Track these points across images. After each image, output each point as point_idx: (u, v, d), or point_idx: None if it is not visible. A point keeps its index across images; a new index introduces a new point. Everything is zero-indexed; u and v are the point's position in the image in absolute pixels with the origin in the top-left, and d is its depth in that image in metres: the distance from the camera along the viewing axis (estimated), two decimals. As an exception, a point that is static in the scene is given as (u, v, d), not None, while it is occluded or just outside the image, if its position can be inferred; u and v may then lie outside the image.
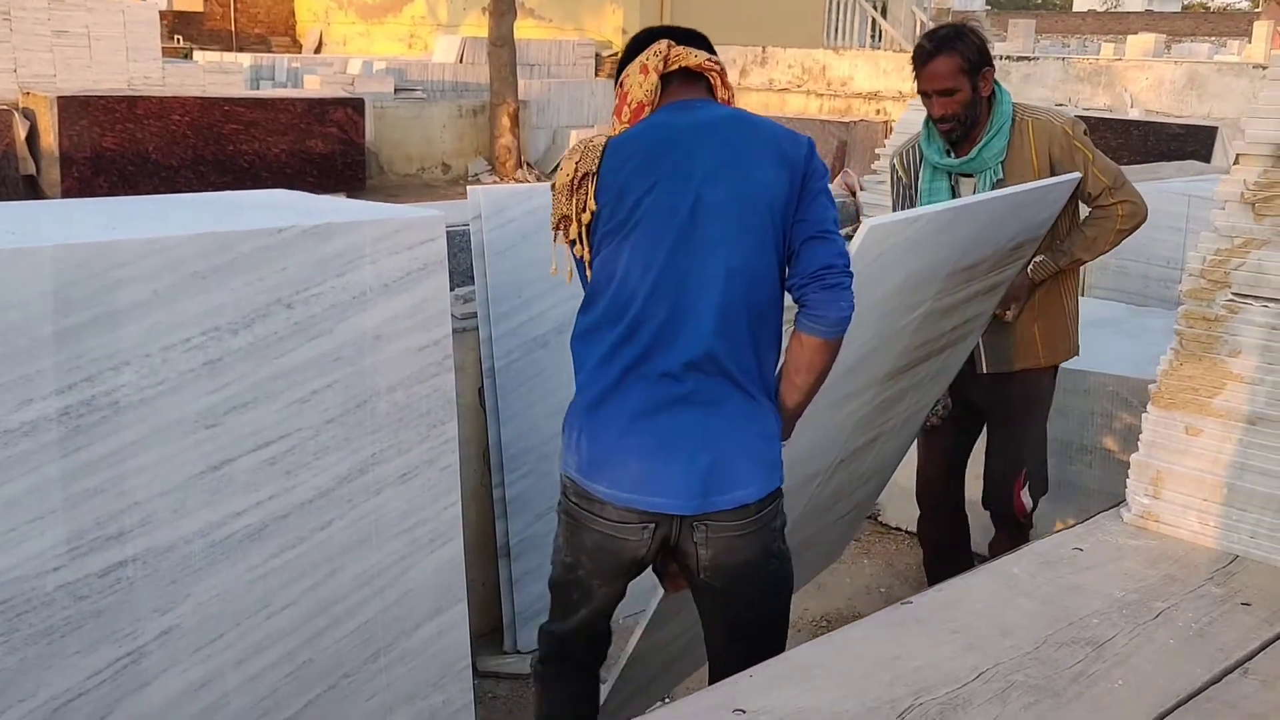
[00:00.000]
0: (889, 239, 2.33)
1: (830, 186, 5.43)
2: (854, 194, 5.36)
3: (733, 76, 17.23)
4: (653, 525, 2.12)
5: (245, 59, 16.23)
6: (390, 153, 14.65)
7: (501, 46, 14.76)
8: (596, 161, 2.16)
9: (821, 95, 16.01)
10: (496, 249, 3.44)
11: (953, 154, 3.16)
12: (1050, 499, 3.99)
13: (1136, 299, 5.12)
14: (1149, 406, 2.52)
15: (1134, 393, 3.68)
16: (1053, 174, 3.09)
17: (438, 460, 2.68)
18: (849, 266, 2.10)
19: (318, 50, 22.12)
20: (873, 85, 15.57)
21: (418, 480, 2.66)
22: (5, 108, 11.45)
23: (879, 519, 4.55)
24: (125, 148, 11.60)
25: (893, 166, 3.36)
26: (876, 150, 5.34)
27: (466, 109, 15.49)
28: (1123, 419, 3.81)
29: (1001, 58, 14.32)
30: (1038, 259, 3.16)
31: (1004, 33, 21.34)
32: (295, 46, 22.98)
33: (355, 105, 13.40)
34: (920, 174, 3.25)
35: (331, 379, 2.45)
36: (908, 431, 3.27)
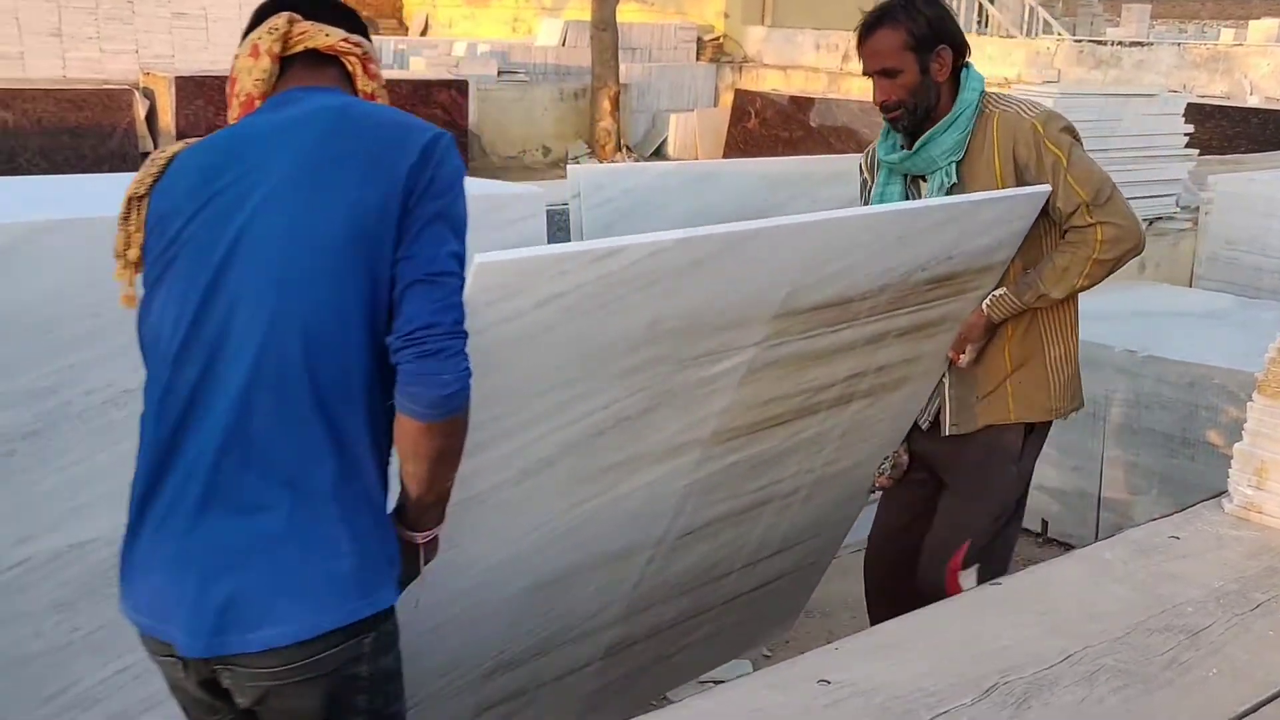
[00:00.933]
0: (546, 279, 1.77)
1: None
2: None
3: (835, 62, 17.10)
4: (181, 660, 1.61)
5: (353, 41, 16.54)
6: (492, 135, 14.82)
7: (604, 30, 14.83)
8: (149, 182, 1.68)
9: (926, 81, 15.77)
10: (594, 228, 3.47)
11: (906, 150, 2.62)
12: (1147, 492, 3.92)
13: (1248, 291, 4.99)
14: (1254, 395, 2.46)
15: (1241, 386, 3.59)
16: (1019, 181, 2.54)
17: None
18: (460, 324, 1.56)
19: (424, 33, 22.43)
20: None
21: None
22: (126, 87, 11.87)
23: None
24: (238, 127, 11.92)
25: (860, 165, 2.83)
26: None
27: (568, 92, 15.59)
28: (1229, 413, 3.72)
29: (1112, 43, 13.94)
30: (997, 292, 2.59)
31: (1117, 18, 20.77)
32: (402, 29, 23.33)
33: (459, 87, 13.59)
34: (878, 173, 2.72)
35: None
36: (836, 492, 2.80)
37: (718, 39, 18.00)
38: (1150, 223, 5.11)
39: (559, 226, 3.75)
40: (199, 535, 1.56)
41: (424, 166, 1.58)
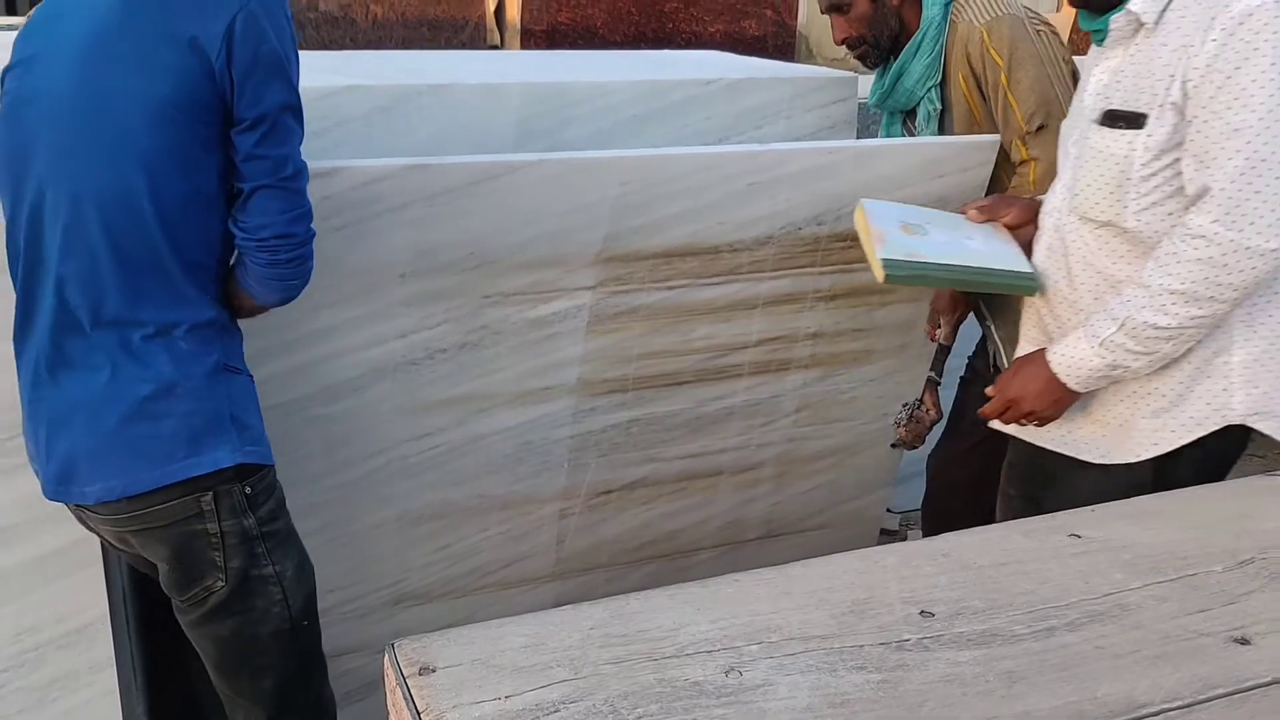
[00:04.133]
0: None
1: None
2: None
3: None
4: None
5: (691, -60, 16.75)
6: (820, 35, 14.63)
7: (944, -72, 14.31)
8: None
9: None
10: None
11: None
12: None
13: None
14: None
15: None
16: (982, 99, 2.28)
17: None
18: (313, 234, 1.63)
19: (760, -68, 22.35)
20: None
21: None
22: (477, -17, 12.62)
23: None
24: (576, 23, 12.42)
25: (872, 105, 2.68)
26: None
27: (902, -7, 15.20)
28: None
29: None
30: None
31: None
32: (739, -72, 23.34)
33: (791, -13, 13.55)
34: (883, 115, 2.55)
35: (738, 221, 2.66)
36: (832, 476, 2.61)
37: (1068, -61, 16.96)
38: None
39: (871, 119, 3.83)
40: (46, 394, 1.64)
41: (241, 42, 1.53)
